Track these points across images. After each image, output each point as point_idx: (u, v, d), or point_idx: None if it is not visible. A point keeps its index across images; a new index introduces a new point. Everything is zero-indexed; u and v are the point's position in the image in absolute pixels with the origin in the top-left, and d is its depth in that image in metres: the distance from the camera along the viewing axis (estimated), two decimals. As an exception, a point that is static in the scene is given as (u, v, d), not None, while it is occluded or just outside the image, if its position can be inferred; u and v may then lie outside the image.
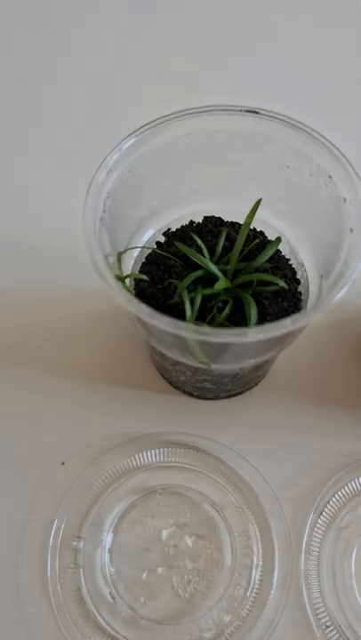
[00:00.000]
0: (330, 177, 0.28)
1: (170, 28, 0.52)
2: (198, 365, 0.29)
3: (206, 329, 0.24)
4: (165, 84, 0.48)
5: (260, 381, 0.37)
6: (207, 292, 0.29)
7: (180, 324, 0.24)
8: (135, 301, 0.24)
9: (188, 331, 0.24)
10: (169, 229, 0.33)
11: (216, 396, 0.36)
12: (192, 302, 0.29)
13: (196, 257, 0.30)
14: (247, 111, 0.28)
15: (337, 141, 0.28)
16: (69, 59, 0.50)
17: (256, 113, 0.28)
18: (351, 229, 0.27)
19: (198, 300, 0.29)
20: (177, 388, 0.37)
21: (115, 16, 0.52)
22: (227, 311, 0.29)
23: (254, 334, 0.23)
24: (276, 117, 0.28)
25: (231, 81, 0.49)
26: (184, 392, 0.37)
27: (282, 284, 0.31)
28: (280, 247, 0.33)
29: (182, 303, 0.29)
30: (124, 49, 0.50)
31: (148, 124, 0.27)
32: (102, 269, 0.25)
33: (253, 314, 0.29)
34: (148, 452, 0.35)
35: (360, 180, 0.27)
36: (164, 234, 0.33)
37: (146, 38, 0.51)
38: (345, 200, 0.27)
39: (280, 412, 0.37)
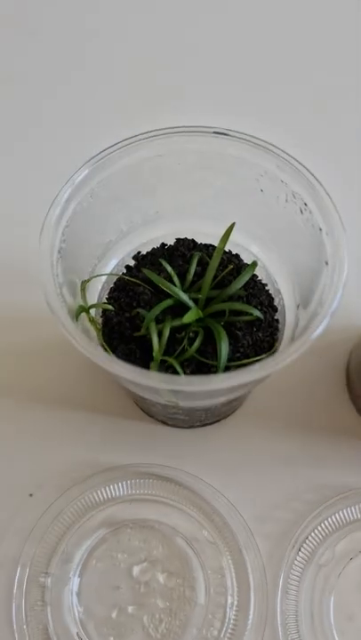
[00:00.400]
0: (305, 204, 0.26)
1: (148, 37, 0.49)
2: (167, 403, 0.28)
3: (169, 378, 0.22)
4: (139, 98, 0.46)
5: (236, 409, 0.36)
6: (176, 323, 0.28)
7: (140, 372, 0.22)
8: (91, 345, 0.23)
9: (151, 382, 0.22)
10: (139, 252, 0.32)
11: (191, 426, 0.35)
12: (160, 335, 0.28)
13: (165, 286, 0.29)
14: (216, 132, 0.26)
15: (317, 168, 0.26)
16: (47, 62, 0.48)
17: (225, 135, 0.26)
18: (326, 262, 0.25)
19: (167, 333, 0.28)
20: (151, 416, 0.35)
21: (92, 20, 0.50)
22: (197, 344, 0.28)
23: (219, 382, 0.22)
24: (246, 139, 0.26)
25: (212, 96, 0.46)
26: (158, 420, 0.35)
27: (257, 313, 0.29)
28: (257, 272, 0.31)
29: (150, 335, 0.28)
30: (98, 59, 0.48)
31: (105, 150, 0.25)
32: (57, 308, 0.23)
33: (225, 348, 0.27)
34: (120, 484, 0.33)
35: (337, 210, 0.25)
36: (134, 257, 0.32)
37: (122, 47, 0.49)
38: (321, 230, 0.25)
39: (258, 440, 0.35)
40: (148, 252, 0.32)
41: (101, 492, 0.33)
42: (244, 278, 0.30)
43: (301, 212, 0.26)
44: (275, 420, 0.36)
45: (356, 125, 0.45)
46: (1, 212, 0.41)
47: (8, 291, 0.38)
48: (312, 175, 0.25)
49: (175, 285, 0.29)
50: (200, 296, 0.29)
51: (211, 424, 0.35)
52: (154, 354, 0.27)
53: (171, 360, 0.27)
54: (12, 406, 0.36)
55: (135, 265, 0.32)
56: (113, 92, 0.46)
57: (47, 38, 0.48)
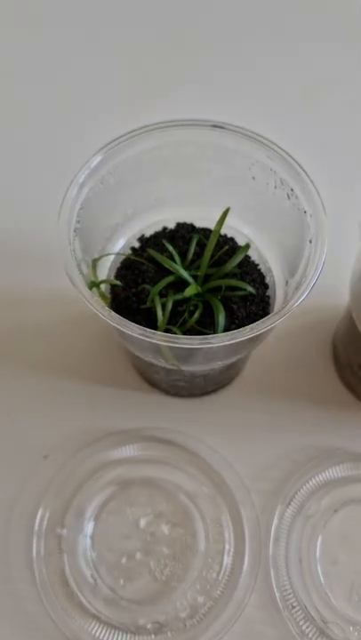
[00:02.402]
0: (292, 190, 0.29)
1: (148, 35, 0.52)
2: (170, 367, 0.31)
3: (172, 336, 0.25)
4: (144, 87, 0.49)
5: (233, 380, 0.39)
6: (178, 297, 0.31)
7: (147, 331, 0.25)
8: (106, 309, 0.26)
9: (155, 338, 0.26)
10: (143, 235, 0.35)
11: (191, 394, 0.38)
12: (164, 307, 0.31)
13: (167, 263, 0.32)
14: (213, 126, 0.29)
15: (301, 156, 0.29)
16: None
17: (222, 128, 0.29)
18: (310, 241, 0.28)
19: (170, 305, 0.31)
20: (154, 386, 0.39)
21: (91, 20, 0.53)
22: (197, 315, 0.31)
23: (217, 341, 0.25)
24: (240, 132, 0.29)
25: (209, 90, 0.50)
26: (161, 390, 0.39)
27: (250, 289, 0.32)
28: (250, 253, 0.35)
29: (155, 308, 0.31)
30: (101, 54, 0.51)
31: (114, 139, 0.28)
32: (76, 279, 0.26)
33: (221, 318, 0.31)
34: (127, 447, 0.37)
35: (319, 194, 0.28)
36: (139, 240, 0.35)
37: (124, 45, 0.52)
38: (305, 212, 0.29)
39: (253, 408, 0.39)
40: (151, 235, 0.35)
41: (110, 454, 0.37)
42: (239, 258, 0.33)
43: (288, 197, 0.30)
44: (268, 389, 0.40)
45: (339, 116, 0.48)
46: (24, 199, 0.44)
47: (28, 274, 0.42)
48: (297, 164, 0.29)
49: (176, 264, 0.33)
50: (199, 273, 0.33)
51: (210, 393, 0.39)
52: (158, 324, 0.30)
53: (174, 329, 0.30)
54: (28, 377, 0.39)
55: (140, 246, 0.35)
56: (118, 86, 0.49)
57: (52, 37, 0.51)
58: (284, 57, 0.51)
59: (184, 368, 0.31)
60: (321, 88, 0.49)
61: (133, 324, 0.26)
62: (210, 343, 0.25)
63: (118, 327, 0.26)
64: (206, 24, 0.52)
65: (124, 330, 0.26)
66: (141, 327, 0.26)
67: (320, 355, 0.41)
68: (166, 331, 0.31)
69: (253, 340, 0.30)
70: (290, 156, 0.29)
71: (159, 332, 0.26)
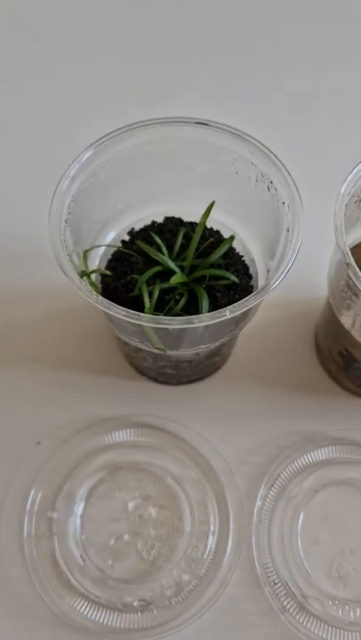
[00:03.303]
0: (271, 182, 0.31)
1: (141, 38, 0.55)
2: (157, 352, 0.32)
3: (155, 317, 0.27)
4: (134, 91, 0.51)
5: (219, 368, 0.41)
6: (164, 285, 0.33)
7: (131, 313, 0.27)
8: (94, 294, 0.28)
9: (138, 319, 0.27)
10: (133, 229, 0.37)
11: (179, 382, 0.40)
12: (150, 295, 0.32)
13: (154, 254, 0.34)
14: (198, 123, 0.31)
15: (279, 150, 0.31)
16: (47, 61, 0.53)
17: (206, 125, 0.31)
18: (288, 230, 0.30)
19: (156, 293, 0.33)
20: (143, 374, 0.40)
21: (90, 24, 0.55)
22: (182, 303, 0.33)
23: (198, 321, 0.27)
24: (224, 129, 0.31)
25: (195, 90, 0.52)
26: (149, 378, 0.40)
27: (233, 278, 0.34)
28: (235, 245, 0.37)
29: (142, 296, 0.33)
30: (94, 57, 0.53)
31: (105, 135, 0.30)
32: (66, 266, 0.28)
33: (205, 304, 0.32)
34: (117, 433, 0.38)
35: (296, 186, 0.30)
36: (129, 233, 0.37)
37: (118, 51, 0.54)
38: (284, 203, 0.30)
39: (238, 396, 0.40)
40: (140, 229, 0.37)
41: (100, 440, 0.38)
42: (223, 249, 0.35)
43: (268, 189, 0.32)
44: (253, 378, 0.41)
45: (323, 119, 0.50)
46: (15, 196, 0.46)
47: (18, 269, 0.43)
48: (276, 157, 0.30)
49: (164, 255, 0.34)
50: (185, 264, 0.34)
51: (197, 381, 0.40)
52: (145, 310, 0.32)
53: (160, 315, 0.32)
54: (23, 368, 0.41)
55: (129, 239, 0.37)
56: (108, 86, 0.51)
57: (48, 40, 0.53)
58: (273, 68, 0.53)
59: (170, 352, 0.32)
60: (306, 94, 0.51)
61: (120, 307, 0.27)
62: (191, 323, 0.26)
63: (105, 310, 0.27)
64: (200, 35, 0.54)
65: (111, 312, 0.27)
66: (126, 309, 0.27)
67: (303, 344, 0.42)
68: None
69: (235, 323, 0.31)
70: (270, 150, 0.31)
71: (142, 314, 0.27)
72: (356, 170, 0.30)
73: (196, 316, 0.27)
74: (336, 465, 0.38)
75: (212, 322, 0.27)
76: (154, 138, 0.32)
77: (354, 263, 0.29)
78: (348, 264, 0.29)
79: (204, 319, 0.27)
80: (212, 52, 0.53)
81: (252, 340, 0.42)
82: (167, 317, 0.26)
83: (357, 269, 0.29)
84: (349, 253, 0.29)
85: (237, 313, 0.27)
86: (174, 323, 0.27)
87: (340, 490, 0.38)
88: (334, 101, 0.51)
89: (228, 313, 0.27)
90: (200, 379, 0.40)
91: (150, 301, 0.32)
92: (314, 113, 0.51)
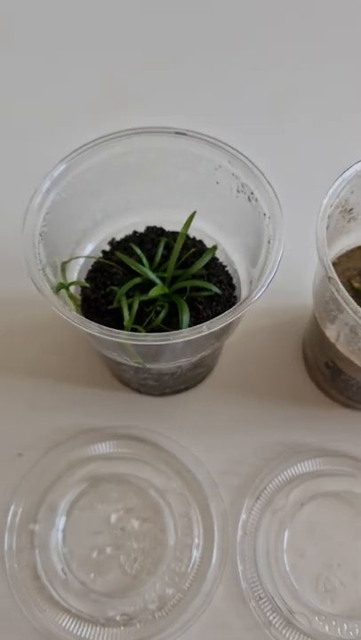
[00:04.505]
0: (252, 193, 0.30)
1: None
2: (137, 365, 0.32)
3: (131, 334, 0.26)
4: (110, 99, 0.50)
5: (205, 379, 0.40)
6: (144, 297, 0.32)
7: (105, 329, 0.26)
8: (67, 309, 0.27)
9: (114, 336, 0.27)
10: (114, 239, 0.36)
11: (162, 393, 0.39)
12: (130, 307, 0.32)
13: (134, 265, 0.33)
14: (176, 133, 0.31)
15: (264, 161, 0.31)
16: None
17: (185, 134, 0.31)
18: (269, 241, 0.29)
19: (136, 305, 0.32)
20: (126, 385, 0.40)
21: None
22: (162, 315, 0.32)
23: (175, 338, 0.26)
24: (202, 138, 0.30)
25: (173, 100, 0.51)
26: (132, 389, 0.40)
27: (215, 289, 0.33)
28: (218, 255, 0.36)
29: (122, 308, 0.32)
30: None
31: (79, 148, 0.29)
32: (38, 281, 0.27)
33: (185, 318, 0.32)
34: (100, 444, 0.38)
35: (277, 197, 0.29)
36: (110, 243, 0.36)
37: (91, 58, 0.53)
38: (265, 215, 0.30)
39: (224, 406, 0.40)
40: (121, 239, 0.36)
41: (82, 451, 0.38)
42: (205, 260, 0.34)
43: (249, 200, 0.31)
44: (239, 388, 0.41)
45: (302, 125, 0.49)
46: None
47: (4, 279, 0.42)
48: (256, 168, 0.30)
49: (144, 266, 0.34)
50: (166, 275, 0.34)
51: (181, 392, 0.40)
52: (125, 323, 0.31)
53: (140, 328, 0.31)
54: (3, 379, 0.40)
55: (110, 249, 0.36)
56: (83, 97, 0.50)
57: (24, 49, 0.52)
58: (254, 70, 0.52)
59: (149, 366, 0.31)
60: (286, 99, 0.50)
61: (94, 323, 0.27)
62: (168, 340, 0.26)
63: (78, 326, 0.27)
64: (177, 38, 0.53)
65: (85, 329, 0.27)
66: (100, 325, 0.27)
67: (291, 354, 0.42)
68: (133, 330, 0.32)
69: (215, 337, 0.31)
70: (249, 160, 0.30)
71: (117, 330, 0.26)
72: (337, 182, 0.30)
73: (172, 332, 0.26)
74: (323, 477, 0.38)
75: (188, 338, 0.26)
76: (130, 148, 0.31)
77: (336, 277, 0.28)
78: (330, 278, 0.28)
79: (181, 335, 0.26)
80: (188, 59, 0.52)
81: (239, 349, 0.41)
82: (143, 334, 0.26)
83: (340, 284, 0.28)
84: (332, 267, 0.29)
85: (216, 329, 0.26)
86: (150, 339, 0.26)
87: (327, 502, 0.37)
88: (320, 108, 0.50)
89: (205, 329, 0.26)
90: (185, 389, 0.40)
91: (130, 314, 0.32)
92: (300, 120, 0.50)
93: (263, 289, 0.27)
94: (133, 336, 0.26)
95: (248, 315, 0.44)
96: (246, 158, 0.30)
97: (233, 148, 0.30)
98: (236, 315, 0.27)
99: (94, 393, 0.40)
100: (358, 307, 0.27)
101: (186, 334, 0.26)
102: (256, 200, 0.30)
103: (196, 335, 0.26)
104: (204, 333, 0.26)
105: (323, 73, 0.52)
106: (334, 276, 0.28)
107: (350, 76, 0.53)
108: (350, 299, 0.27)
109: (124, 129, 0.30)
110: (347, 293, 0.28)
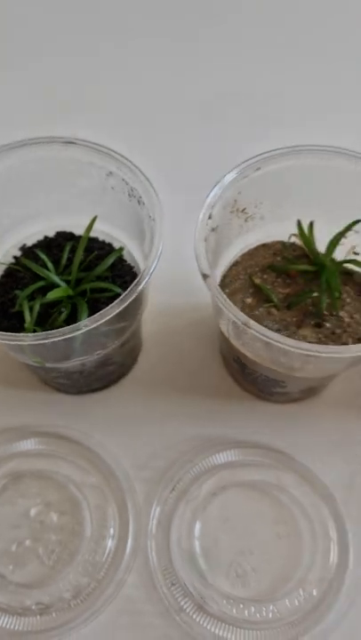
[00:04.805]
0: (141, 197, 0.32)
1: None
2: (35, 364, 0.33)
3: (9, 335, 0.28)
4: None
5: (123, 376, 0.42)
6: (45, 300, 0.34)
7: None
8: None
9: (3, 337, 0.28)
10: (24, 245, 0.38)
11: (79, 391, 0.41)
12: (31, 309, 0.34)
13: (38, 269, 0.35)
14: (66, 142, 0.32)
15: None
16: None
17: (74, 143, 0.32)
18: (152, 241, 0.31)
19: (37, 308, 0.34)
20: (46, 384, 0.41)
21: None
22: (63, 316, 0.34)
23: (52, 336, 0.28)
24: (90, 146, 0.32)
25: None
26: (52, 387, 0.41)
27: (116, 289, 0.35)
28: (125, 256, 0.37)
29: (24, 310, 0.34)
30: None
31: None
32: None
33: (83, 317, 0.33)
34: (20, 442, 0.39)
35: (159, 200, 0.31)
36: (20, 249, 0.38)
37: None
38: (150, 217, 0.31)
39: (141, 403, 0.41)
40: (32, 244, 0.38)
41: (3, 449, 0.39)
42: (108, 262, 0.36)
43: (139, 203, 0.32)
44: (158, 384, 0.42)
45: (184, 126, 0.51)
46: None
47: None
48: (141, 173, 0.31)
49: (49, 270, 0.35)
50: (70, 277, 0.35)
51: (100, 389, 0.41)
52: (26, 325, 0.33)
53: (38, 330, 0.33)
54: None
55: (21, 255, 0.38)
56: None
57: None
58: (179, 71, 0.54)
59: (49, 365, 0.33)
60: (171, 103, 0.52)
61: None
62: (44, 339, 0.27)
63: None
64: (99, 42, 0.55)
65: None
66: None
67: (208, 349, 0.43)
68: (34, 331, 0.34)
69: (105, 335, 0.32)
70: (135, 166, 0.32)
71: (8, 334, 0.28)
72: (212, 194, 0.31)
73: (50, 332, 0.28)
74: (237, 467, 0.39)
75: (64, 337, 0.27)
76: (26, 158, 0.33)
77: (210, 274, 0.30)
78: (204, 275, 0.30)
79: (57, 334, 0.28)
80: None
81: (159, 348, 0.43)
82: (21, 334, 0.27)
83: (215, 281, 0.30)
84: (205, 264, 0.30)
85: (91, 327, 0.28)
86: (28, 339, 0.28)
87: (241, 492, 0.39)
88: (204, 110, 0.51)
89: (82, 327, 0.28)
90: (104, 387, 0.41)
91: (31, 316, 0.33)
92: (188, 122, 0.50)
93: (140, 286, 0.29)
94: (10, 336, 0.27)
95: (168, 313, 0.46)
96: (132, 163, 0.32)
97: (120, 155, 0.32)
98: (107, 316, 0.28)
99: (15, 392, 0.41)
100: (228, 300, 0.29)
101: (62, 333, 0.28)
102: (144, 204, 0.32)
103: (75, 333, 0.28)
104: (81, 331, 0.28)
105: (238, 74, 0.53)
106: (208, 272, 0.29)
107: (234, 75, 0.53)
108: (221, 291, 0.29)
109: (18, 140, 0.32)
110: (220, 289, 0.29)
